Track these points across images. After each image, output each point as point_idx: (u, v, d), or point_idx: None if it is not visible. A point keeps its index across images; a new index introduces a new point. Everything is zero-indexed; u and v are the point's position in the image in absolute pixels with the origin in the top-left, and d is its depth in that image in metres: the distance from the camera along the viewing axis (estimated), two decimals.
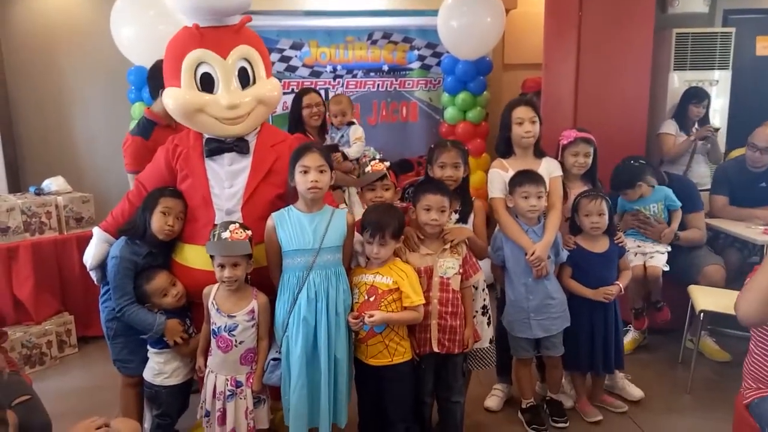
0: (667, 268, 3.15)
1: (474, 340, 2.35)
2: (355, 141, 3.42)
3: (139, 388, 2.39)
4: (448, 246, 2.27)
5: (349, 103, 3.53)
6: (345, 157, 3.40)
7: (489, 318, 2.53)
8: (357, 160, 3.42)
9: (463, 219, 2.44)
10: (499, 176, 2.63)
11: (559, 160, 2.75)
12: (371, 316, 2.08)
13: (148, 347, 2.33)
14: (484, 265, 2.56)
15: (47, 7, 4.33)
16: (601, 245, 2.63)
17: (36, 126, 4.36)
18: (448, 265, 2.25)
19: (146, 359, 2.34)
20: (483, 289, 2.49)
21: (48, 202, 3.51)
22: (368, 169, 2.37)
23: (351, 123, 3.49)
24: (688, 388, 2.96)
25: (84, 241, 3.53)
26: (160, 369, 2.28)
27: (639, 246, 3.20)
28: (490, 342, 2.54)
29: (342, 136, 3.48)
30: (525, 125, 2.61)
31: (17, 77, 4.27)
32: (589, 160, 2.76)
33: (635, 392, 2.88)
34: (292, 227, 2.10)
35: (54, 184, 3.68)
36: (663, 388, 3.00)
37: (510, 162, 2.67)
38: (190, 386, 2.40)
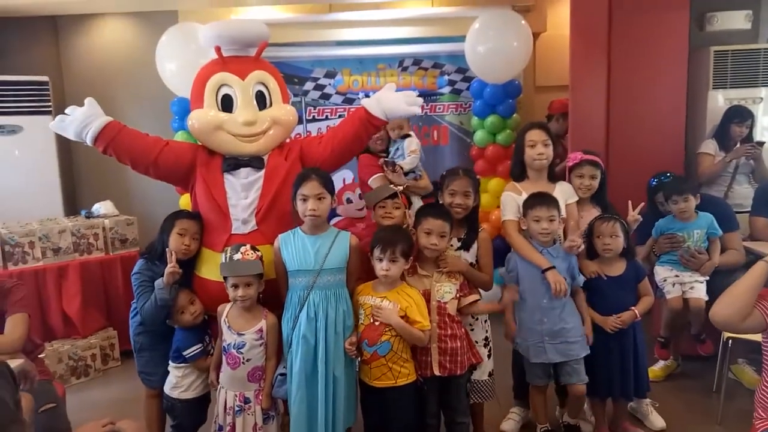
0: (706, 298, 3.01)
1: (475, 360, 2.36)
2: (410, 153, 3.52)
3: (161, 400, 2.52)
4: (443, 270, 2.30)
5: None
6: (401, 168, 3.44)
7: (490, 350, 2.53)
8: (412, 171, 3.50)
9: (465, 246, 2.46)
10: (512, 199, 2.65)
11: (567, 182, 2.75)
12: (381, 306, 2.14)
13: (170, 361, 2.46)
14: (489, 295, 2.56)
15: (103, 43, 4.72)
16: (617, 268, 2.59)
17: (91, 154, 4.66)
18: (446, 290, 2.29)
19: (168, 373, 2.48)
20: (485, 321, 2.49)
21: (96, 224, 3.78)
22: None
23: (407, 135, 3.57)
24: (719, 419, 2.84)
25: (128, 261, 3.82)
26: (177, 382, 2.41)
27: (677, 276, 3.06)
28: (489, 375, 2.53)
29: (397, 149, 3.59)
30: (537, 147, 2.63)
31: None
32: (595, 183, 2.73)
33: (657, 422, 2.79)
34: (295, 248, 2.20)
35: (102, 207, 3.96)
36: (693, 418, 2.89)
37: (523, 185, 2.69)
38: (207, 401, 2.51)
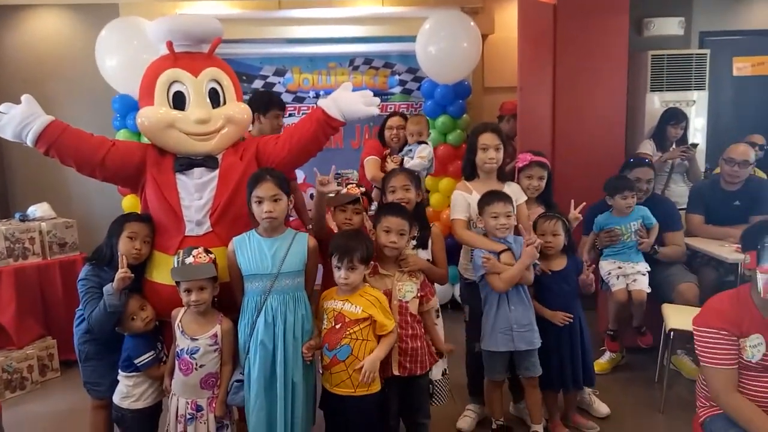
0: (648, 290, 3.16)
1: (433, 361, 2.37)
2: (417, 157, 3.56)
3: (108, 411, 2.40)
4: (405, 269, 2.31)
5: (426, 124, 3.75)
6: (401, 165, 3.53)
7: None
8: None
9: (421, 245, 2.47)
10: (462, 198, 2.69)
11: (515, 182, 2.83)
12: (362, 366, 2.09)
13: (119, 371, 2.35)
14: (443, 290, 2.59)
15: (37, 37, 4.47)
16: (559, 263, 2.68)
17: (26, 153, 4.44)
18: (407, 289, 2.29)
19: (116, 382, 2.36)
20: (437, 315, 2.52)
21: (32, 228, 3.58)
22: (344, 191, 2.42)
23: (423, 142, 3.64)
24: (661, 408, 2.97)
25: (67, 266, 3.64)
26: (127, 392, 2.31)
27: (620, 268, 3.20)
28: (443, 374, 2.55)
29: (410, 150, 3.63)
30: (489, 152, 2.68)
31: None
32: (543, 184, 2.83)
33: (602, 409, 2.91)
34: (251, 252, 2.14)
35: (39, 210, 3.75)
36: (636, 408, 3.01)
37: (474, 185, 2.74)
38: (159, 410, 2.42)
